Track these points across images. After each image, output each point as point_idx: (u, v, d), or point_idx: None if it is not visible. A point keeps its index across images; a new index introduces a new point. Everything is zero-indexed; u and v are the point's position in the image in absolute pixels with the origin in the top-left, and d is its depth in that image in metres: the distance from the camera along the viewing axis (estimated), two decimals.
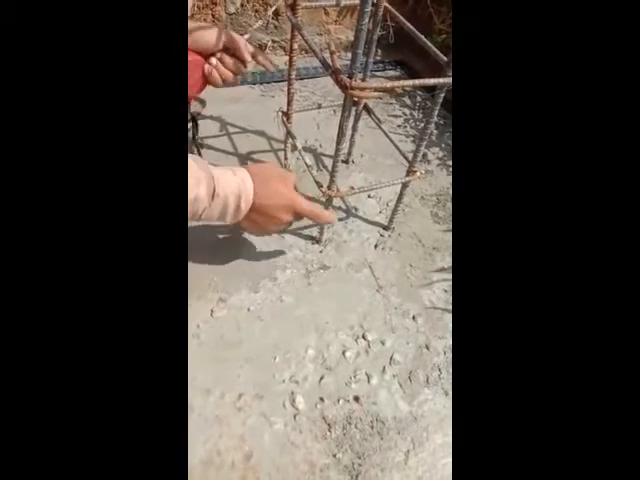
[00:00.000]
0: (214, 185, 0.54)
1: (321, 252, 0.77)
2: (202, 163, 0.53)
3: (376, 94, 0.52)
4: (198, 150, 0.90)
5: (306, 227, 0.80)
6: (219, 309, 0.67)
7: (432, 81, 0.56)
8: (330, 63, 0.55)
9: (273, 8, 1.11)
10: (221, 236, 0.77)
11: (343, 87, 0.52)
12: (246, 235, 0.77)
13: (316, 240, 0.79)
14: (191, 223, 0.75)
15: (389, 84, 0.51)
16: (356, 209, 0.86)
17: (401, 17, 0.66)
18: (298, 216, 0.63)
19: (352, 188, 0.79)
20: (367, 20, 0.48)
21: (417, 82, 0.55)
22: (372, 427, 0.58)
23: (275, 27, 1.19)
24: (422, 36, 0.62)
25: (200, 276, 0.70)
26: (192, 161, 0.50)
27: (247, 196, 0.57)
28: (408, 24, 0.64)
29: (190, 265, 0.71)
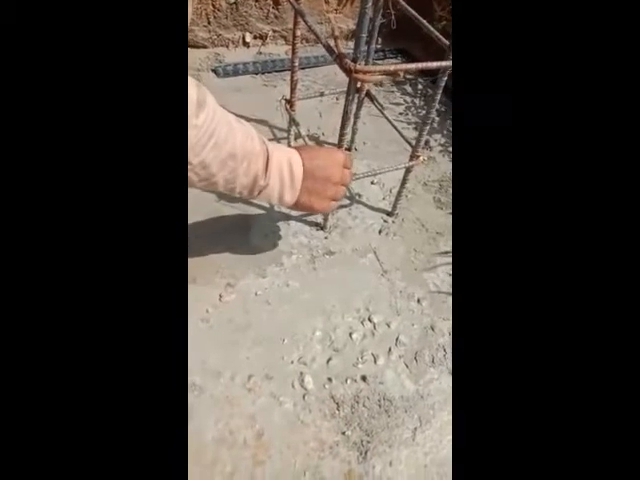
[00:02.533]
0: (267, 148, 0.52)
1: (326, 238, 0.78)
2: (250, 127, 0.52)
3: (380, 77, 0.53)
4: None
5: (311, 214, 0.81)
6: (227, 294, 0.68)
7: (434, 64, 0.56)
8: (334, 48, 0.55)
9: None
10: (227, 223, 0.78)
11: (347, 71, 0.52)
12: (251, 221, 0.78)
13: (321, 226, 0.80)
14: (203, 211, 0.76)
15: (393, 67, 0.52)
16: (360, 196, 0.87)
17: (403, 3, 0.66)
18: (346, 168, 0.60)
19: (355, 174, 0.80)
20: (370, 3, 0.48)
21: (420, 65, 0.56)
22: (380, 405, 0.60)
23: (275, 17, 1.19)
24: (424, 21, 0.62)
25: (207, 263, 0.71)
26: (241, 120, 0.50)
27: (296, 160, 0.55)
28: (410, 9, 0.65)
29: (197, 252, 0.72)
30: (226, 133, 0.47)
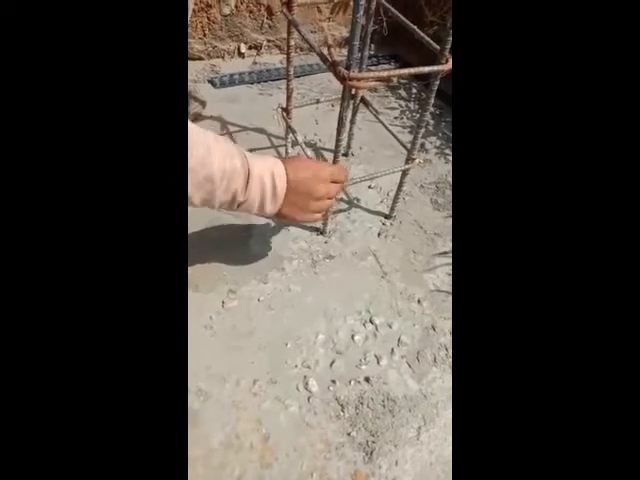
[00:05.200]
0: (248, 164, 0.52)
1: (326, 242, 0.79)
2: (231, 144, 0.52)
3: (373, 84, 0.54)
4: None
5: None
6: (230, 300, 0.69)
7: (427, 69, 0.58)
8: (328, 56, 0.57)
9: None
10: (228, 231, 0.79)
11: (342, 78, 0.54)
12: (252, 228, 0.80)
13: (320, 231, 0.81)
14: (205, 219, 0.77)
15: (386, 73, 0.54)
16: (358, 200, 0.88)
17: (394, 10, 0.68)
18: (334, 183, 0.60)
19: (352, 179, 0.81)
20: (361, 12, 0.50)
21: (413, 70, 0.57)
22: (384, 406, 0.60)
23: (269, 27, 1.21)
24: (415, 27, 0.64)
25: (209, 270, 0.72)
26: (221, 138, 0.51)
27: (280, 172, 0.55)
28: (401, 16, 0.66)
29: (199, 260, 0.73)
30: (203, 156, 0.47)
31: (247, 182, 0.52)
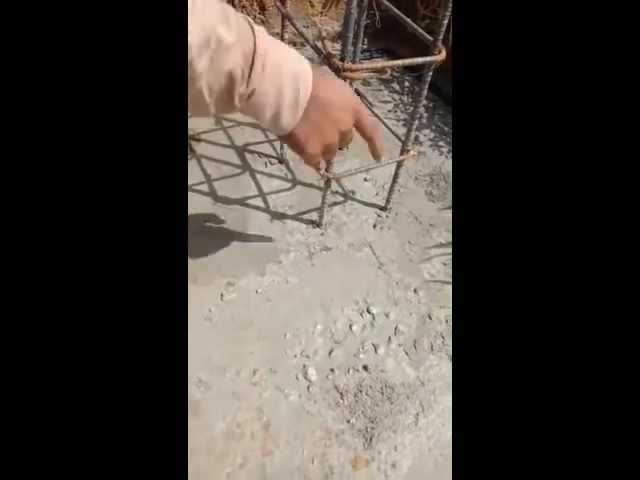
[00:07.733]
0: (254, 37, 0.37)
1: (322, 235, 0.80)
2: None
3: (367, 74, 0.55)
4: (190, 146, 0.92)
5: (306, 212, 0.83)
6: (228, 293, 0.70)
7: (419, 60, 0.58)
8: (322, 49, 0.57)
9: None
10: (225, 224, 0.80)
11: (336, 70, 0.54)
12: (248, 221, 0.80)
13: (316, 224, 0.81)
14: (196, 217, 0.78)
15: (379, 64, 0.54)
16: (353, 192, 0.89)
17: (387, 3, 0.68)
18: (357, 124, 0.48)
19: (347, 171, 0.82)
20: (355, 4, 0.50)
21: (406, 62, 0.58)
22: (382, 393, 0.61)
23: (262, 22, 1.21)
24: (409, 19, 0.64)
25: (207, 263, 0.73)
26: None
27: (306, 79, 0.41)
28: (394, 9, 0.67)
29: (197, 253, 0.74)
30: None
31: (253, 62, 0.37)
